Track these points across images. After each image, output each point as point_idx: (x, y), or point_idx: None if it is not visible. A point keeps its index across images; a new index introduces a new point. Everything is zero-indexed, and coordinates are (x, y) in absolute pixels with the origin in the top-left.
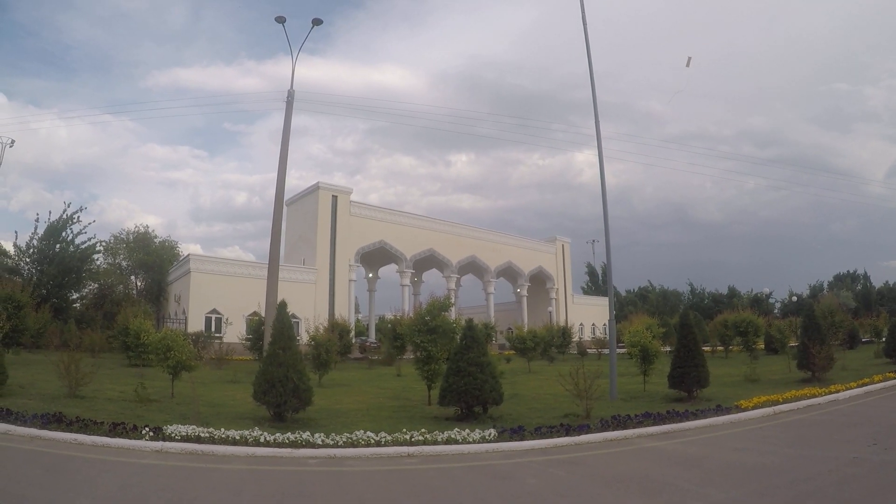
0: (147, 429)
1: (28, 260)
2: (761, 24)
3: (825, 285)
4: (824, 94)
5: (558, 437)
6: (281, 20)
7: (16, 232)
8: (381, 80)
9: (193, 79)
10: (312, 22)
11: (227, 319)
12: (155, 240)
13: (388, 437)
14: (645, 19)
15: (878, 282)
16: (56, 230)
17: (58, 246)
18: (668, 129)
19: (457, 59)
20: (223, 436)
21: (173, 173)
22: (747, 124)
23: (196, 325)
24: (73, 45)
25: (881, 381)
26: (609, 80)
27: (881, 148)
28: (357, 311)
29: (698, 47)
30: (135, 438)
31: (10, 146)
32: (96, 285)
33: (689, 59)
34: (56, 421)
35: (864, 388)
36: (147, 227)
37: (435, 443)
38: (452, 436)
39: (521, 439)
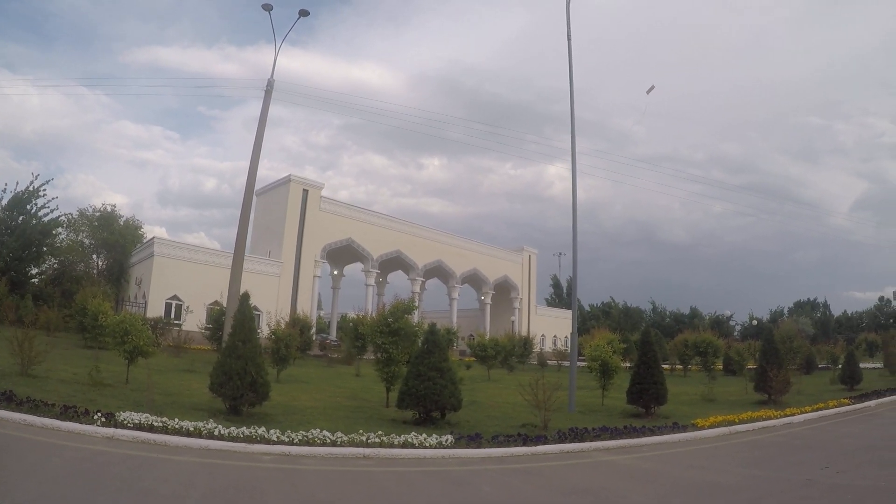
0: (99, 414)
1: None
2: (741, 54)
3: (785, 311)
4: (797, 126)
5: (515, 446)
6: (268, 8)
7: None
8: (360, 77)
9: (173, 59)
10: (299, 13)
11: (187, 307)
12: (120, 220)
13: (345, 438)
14: (627, 42)
15: (836, 310)
16: (21, 201)
17: (21, 218)
18: (641, 148)
19: (437, 63)
20: (177, 426)
21: (144, 153)
22: (720, 150)
23: (156, 310)
24: (56, 12)
25: (836, 407)
26: (586, 96)
27: (848, 182)
28: (319, 307)
29: (679, 73)
30: (86, 423)
31: None
32: (56, 261)
33: (652, 87)
34: (5, 400)
35: (819, 413)
36: (114, 206)
37: (391, 446)
38: (409, 440)
39: (478, 447)
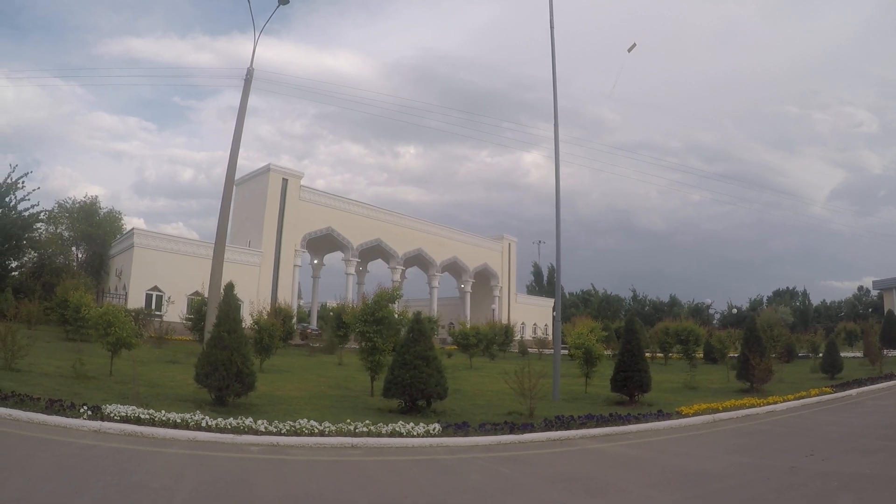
0: (85, 407)
1: None
2: (717, 43)
3: (765, 300)
4: (773, 115)
5: (502, 434)
6: None
7: None
8: (334, 66)
9: (146, 49)
10: (279, 1)
11: (168, 298)
12: (100, 211)
13: (333, 428)
14: (601, 29)
15: (815, 299)
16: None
17: (0, 211)
18: (617, 136)
19: (411, 51)
20: (164, 418)
21: (120, 144)
22: (696, 138)
23: (136, 301)
24: (27, 4)
25: (817, 395)
26: (560, 84)
27: (825, 171)
28: (300, 296)
29: (652, 60)
30: (72, 417)
31: None
32: (36, 254)
33: (633, 45)
34: None
35: (802, 401)
36: (95, 197)
37: (379, 435)
38: (397, 429)
39: (466, 435)
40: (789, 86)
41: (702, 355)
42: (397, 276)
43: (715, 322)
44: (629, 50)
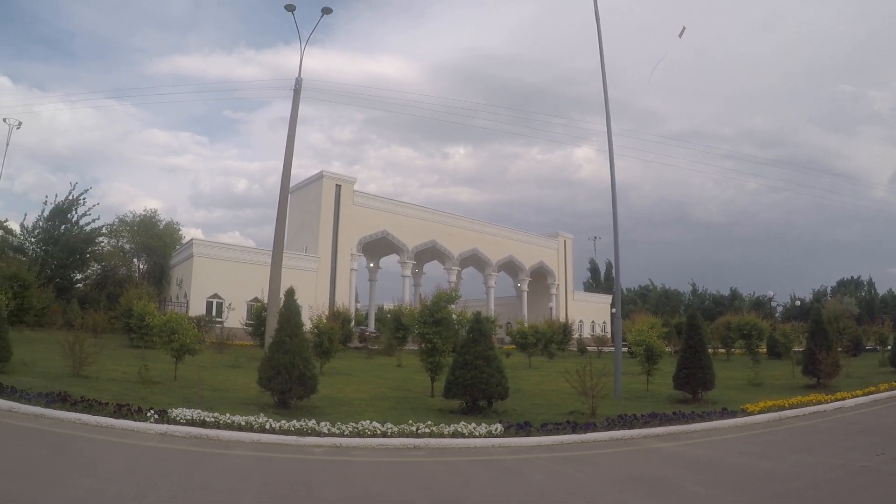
0: (152, 411)
1: (33, 240)
2: (765, 23)
3: (829, 290)
4: (828, 95)
5: (564, 434)
6: (290, 8)
7: (25, 213)
8: (378, 71)
9: (194, 66)
10: (322, 10)
11: (229, 304)
12: (159, 223)
13: (395, 429)
14: (647, 15)
15: (882, 288)
16: (62, 211)
17: (63, 227)
18: (668, 125)
19: (454, 52)
20: (228, 421)
21: (174, 159)
22: (749, 124)
23: (197, 308)
24: (76, 31)
25: (887, 391)
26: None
27: (885, 152)
28: (357, 300)
29: (700, 45)
30: (139, 420)
31: (18, 128)
32: (99, 267)
33: (684, 28)
34: (61, 400)
35: (871, 397)
36: (155, 211)
37: (441, 436)
38: (459, 429)
39: (528, 435)
40: (843, 63)
41: (765, 350)
42: (453, 277)
43: (777, 315)
44: (680, 35)
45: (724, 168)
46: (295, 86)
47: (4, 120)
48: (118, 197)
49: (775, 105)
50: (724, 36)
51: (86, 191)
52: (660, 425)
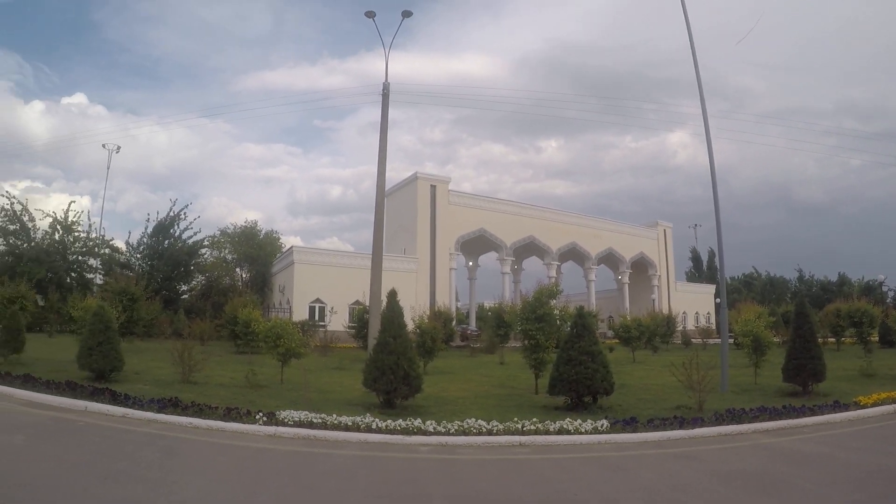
0: (260, 414)
1: (139, 256)
2: None
3: None
4: None
5: (671, 429)
6: (371, 14)
7: (129, 231)
8: (463, 70)
9: (281, 80)
10: (402, 14)
11: (332, 308)
12: (259, 233)
13: (500, 426)
14: None
15: None
16: (164, 227)
17: (166, 242)
18: (763, 104)
19: (537, 44)
20: (335, 422)
21: (269, 170)
22: (848, 97)
23: (300, 314)
24: (162, 56)
25: None
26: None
27: None
28: (457, 298)
29: (790, 17)
30: (248, 423)
31: (117, 152)
32: (203, 277)
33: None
34: (172, 405)
35: None
36: (255, 222)
37: (547, 433)
38: (565, 426)
39: (634, 431)
40: None
41: (877, 338)
42: (553, 272)
43: (889, 300)
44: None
45: (825, 146)
46: (383, 90)
47: (104, 146)
48: (217, 210)
49: (874, 75)
50: (813, 5)
51: (186, 206)
52: (769, 420)
